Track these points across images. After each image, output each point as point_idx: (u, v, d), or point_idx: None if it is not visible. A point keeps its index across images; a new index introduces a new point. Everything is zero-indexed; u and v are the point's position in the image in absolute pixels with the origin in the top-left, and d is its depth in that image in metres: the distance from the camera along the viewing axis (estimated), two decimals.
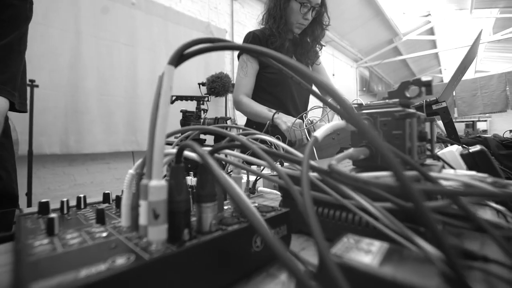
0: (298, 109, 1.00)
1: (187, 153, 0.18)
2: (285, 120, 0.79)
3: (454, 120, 0.73)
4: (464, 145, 0.66)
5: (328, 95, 0.14)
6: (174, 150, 0.18)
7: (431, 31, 5.75)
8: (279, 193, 0.43)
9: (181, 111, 0.75)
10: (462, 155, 0.44)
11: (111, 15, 2.10)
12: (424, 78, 0.27)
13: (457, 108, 5.76)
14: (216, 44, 0.19)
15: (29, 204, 1.61)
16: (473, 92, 5.64)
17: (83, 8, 1.94)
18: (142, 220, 0.16)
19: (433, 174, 0.21)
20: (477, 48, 0.78)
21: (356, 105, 0.28)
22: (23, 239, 0.19)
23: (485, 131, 7.08)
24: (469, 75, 6.38)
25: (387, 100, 0.28)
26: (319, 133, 0.18)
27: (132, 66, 2.23)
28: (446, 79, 8.47)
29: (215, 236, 0.18)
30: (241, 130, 0.26)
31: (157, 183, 0.15)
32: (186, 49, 0.18)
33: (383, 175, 0.21)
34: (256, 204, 0.26)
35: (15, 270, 0.15)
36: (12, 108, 0.50)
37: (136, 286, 0.14)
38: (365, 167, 0.28)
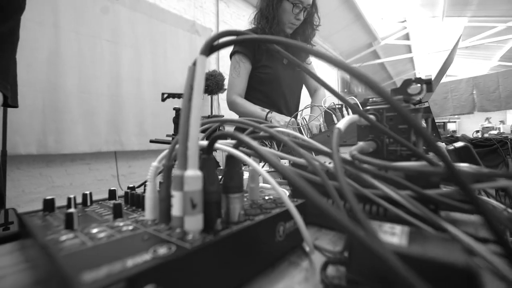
0: (289, 107, 1.02)
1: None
2: (278, 120, 0.80)
3: None
4: (445, 142, 0.70)
5: (363, 83, 0.15)
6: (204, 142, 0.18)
7: (406, 37, 6.06)
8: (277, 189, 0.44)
9: (174, 108, 0.73)
10: (448, 150, 0.47)
11: (92, 10, 2.01)
12: (425, 76, 0.29)
13: None
14: (241, 38, 0.19)
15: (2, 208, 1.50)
16: (444, 95, 6.02)
17: (62, 1, 1.85)
18: (176, 211, 0.16)
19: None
20: (454, 54, 0.84)
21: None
22: (41, 236, 0.18)
23: (454, 132, 7.57)
24: None
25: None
26: (341, 124, 0.19)
27: (115, 64, 2.14)
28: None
29: (246, 226, 0.18)
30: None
31: (194, 173, 0.16)
32: (215, 40, 0.18)
33: (411, 165, 0.22)
34: (272, 197, 0.27)
35: (48, 266, 0.15)
36: (5, 102, 0.47)
37: (180, 274, 0.14)
38: None
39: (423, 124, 0.35)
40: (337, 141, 0.17)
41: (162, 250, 0.14)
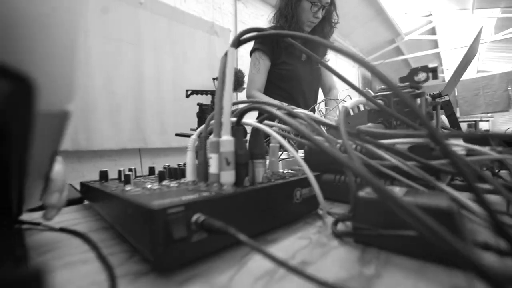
0: (308, 103, 1.05)
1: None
2: None
3: None
4: None
5: (375, 75, 0.18)
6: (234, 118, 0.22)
7: (432, 31, 5.78)
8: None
9: (198, 103, 0.79)
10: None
11: (117, 14, 2.15)
12: (431, 65, 0.31)
13: (459, 108, 5.79)
14: (262, 33, 0.23)
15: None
16: (475, 92, 5.67)
17: (91, 8, 2.00)
18: (213, 169, 0.21)
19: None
20: (478, 45, 0.82)
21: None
22: (108, 189, 0.23)
23: (487, 131, 7.05)
24: (471, 74, 6.40)
25: (399, 84, 0.32)
26: (348, 103, 0.23)
27: (138, 65, 2.27)
28: (448, 79, 8.48)
29: (268, 185, 0.22)
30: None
31: (228, 138, 0.20)
32: (242, 35, 0.22)
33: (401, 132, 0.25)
34: (294, 171, 0.30)
35: (119, 206, 0.20)
36: None
37: (218, 211, 0.18)
38: None
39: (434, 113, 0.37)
40: (344, 116, 0.21)
41: (205, 194, 0.18)
